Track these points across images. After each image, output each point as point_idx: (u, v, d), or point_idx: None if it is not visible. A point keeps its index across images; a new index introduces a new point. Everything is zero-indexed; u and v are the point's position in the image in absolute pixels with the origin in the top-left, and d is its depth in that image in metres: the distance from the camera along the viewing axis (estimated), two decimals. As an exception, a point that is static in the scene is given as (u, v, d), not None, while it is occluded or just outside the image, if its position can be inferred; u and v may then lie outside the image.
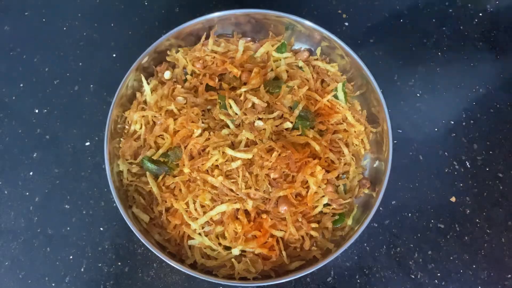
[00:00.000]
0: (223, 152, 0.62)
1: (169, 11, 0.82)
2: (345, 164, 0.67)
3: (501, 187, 0.74)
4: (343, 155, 0.67)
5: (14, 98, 0.77)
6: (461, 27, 0.83)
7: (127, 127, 0.69)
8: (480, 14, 0.84)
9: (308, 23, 0.68)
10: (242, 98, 0.66)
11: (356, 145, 0.69)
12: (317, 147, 0.64)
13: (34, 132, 0.75)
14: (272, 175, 0.62)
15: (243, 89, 0.66)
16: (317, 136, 0.66)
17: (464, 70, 0.80)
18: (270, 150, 0.62)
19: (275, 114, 0.65)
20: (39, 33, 0.81)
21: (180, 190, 0.63)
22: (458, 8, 0.85)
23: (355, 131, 0.69)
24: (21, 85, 0.77)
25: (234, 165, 0.61)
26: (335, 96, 0.70)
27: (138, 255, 0.69)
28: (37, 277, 0.68)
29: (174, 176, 0.64)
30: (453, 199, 0.73)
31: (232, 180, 0.62)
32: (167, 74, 0.70)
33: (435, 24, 0.83)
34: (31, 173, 0.73)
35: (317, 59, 0.73)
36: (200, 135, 0.64)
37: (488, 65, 0.81)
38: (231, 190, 0.62)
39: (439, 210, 0.72)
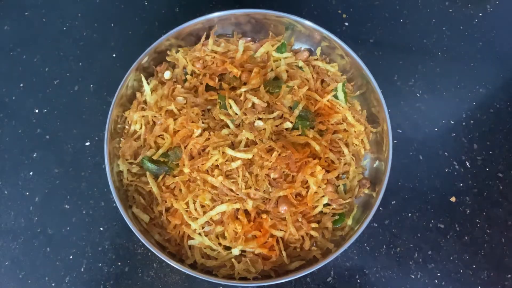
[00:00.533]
0: (223, 152, 0.62)
1: (169, 11, 0.82)
2: (345, 164, 0.67)
3: (501, 187, 0.74)
4: (343, 155, 0.67)
5: (14, 98, 0.77)
6: (461, 27, 0.83)
7: (127, 127, 0.68)
8: (480, 14, 0.84)
9: (308, 23, 0.68)
10: (242, 98, 0.66)
11: (356, 145, 0.69)
12: (317, 147, 0.64)
13: (34, 132, 0.75)
14: (272, 175, 0.62)
15: (243, 89, 0.66)
16: (317, 136, 0.65)
17: (464, 70, 0.80)
18: (270, 150, 0.62)
19: (275, 114, 0.65)
20: (39, 33, 0.81)
21: (180, 190, 0.63)
22: (458, 8, 0.85)
23: (355, 131, 0.68)
24: (21, 85, 0.77)
25: (234, 165, 0.61)
26: (335, 96, 0.70)
27: (138, 255, 0.69)
28: (37, 277, 0.68)
29: (174, 176, 0.64)
30: (453, 199, 0.73)
31: (232, 180, 0.62)
32: (167, 74, 0.70)
33: (435, 24, 0.83)
34: (31, 173, 0.73)
35: (317, 59, 0.72)
36: (200, 135, 0.64)
37: (488, 65, 0.81)
38: (231, 190, 0.61)
39: (439, 210, 0.72)
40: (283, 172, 0.62)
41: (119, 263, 0.69)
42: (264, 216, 0.62)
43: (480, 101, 0.79)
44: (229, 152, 0.61)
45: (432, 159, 0.75)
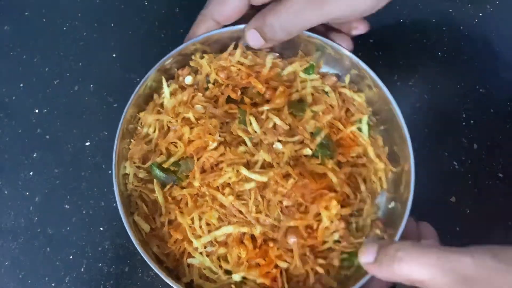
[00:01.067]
0: (237, 171, 0.59)
1: (169, 11, 0.82)
2: (360, 201, 0.62)
3: (501, 187, 0.74)
4: (360, 191, 0.63)
5: (14, 98, 0.77)
6: (461, 27, 0.83)
7: (139, 128, 0.65)
8: (480, 14, 0.84)
9: (343, 50, 0.64)
10: (264, 116, 0.62)
11: (373, 182, 0.65)
12: (334, 179, 0.59)
13: (34, 132, 0.75)
14: (285, 203, 0.58)
15: (266, 107, 0.63)
16: (336, 168, 0.61)
17: (464, 70, 0.80)
18: (286, 176, 0.59)
19: (295, 139, 0.61)
20: (39, 33, 0.81)
21: (187, 203, 0.60)
22: (458, 8, 0.85)
23: (374, 168, 0.64)
24: (21, 85, 0.77)
25: (247, 186, 0.58)
26: (359, 128, 0.66)
27: (138, 255, 0.68)
28: (37, 277, 0.68)
29: (182, 188, 0.61)
30: (453, 199, 0.73)
31: (243, 202, 0.58)
32: (188, 79, 0.66)
33: (435, 24, 0.83)
34: (31, 173, 0.73)
35: (344, 87, 0.68)
36: (215, 148, 0.60)
37: (488, 65, 0.81)
38: (240, 212, 0.58)
39: (439, 210, 0.72)
40: (297, 201, 0.59)
41: (119, 263, 0.69)
42: (270, 244, 0.58)
43: (480, 101, 0.79)
44: (244, 172, 0.58)
45: (432, 159, 0.75)
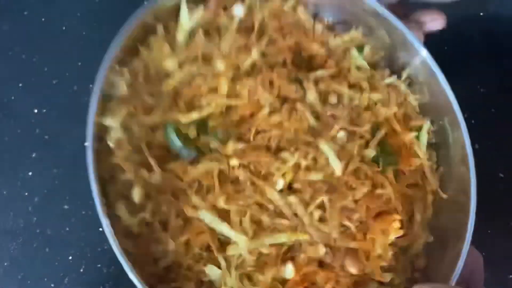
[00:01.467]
0: (306, 153, 0.42)
1: (169, 10, 0.82)
2: (414, 234, 0.49)
3: (501, 187, 0.74)
4: (415, 219, 0.49)
5: (13, 98, 0.76)
6: (461, 27, 0.83)
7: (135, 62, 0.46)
8: (481, 14, 0.84)
9: (412, 37, 0.52)
10: (323, 86, 0.46)
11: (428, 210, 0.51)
12: (393, 196, 0.45)
13: (33, 132, 0.75)
14: (353, 215, 0.43)
15: (322, 71, 0.46)
16: (394, 181, 0.47)
17: (464, 70, 0.80)
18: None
19: (366, 128, 0.46)
20: (38, 33, 0.80)
21: (210, 189, 0.41)
22: (458, 8, 0.84)
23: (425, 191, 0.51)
24: (20, 85, 0.77)
25: (314, 176, 0.42)
26: (416, 137, 0.52)
27: (137, 255, 0.69)
28: (36, 278, 0.68)
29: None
30: (453, 199, 0.73)
31: (300, 200, 0.41)
32: (239, 10, 0.45)
33: (436, 24, 0.83)
34: (30, 173, 0.73)
35: (402, 82, 0.53)
36: (269, 115, 0.42)
37: (488, 65, 0.81)
38: (295, 215, 0.41)
39: (440, 210, 0.72)
40: (361, 215, 0.44)
41: (118, 264, 0.68)
42: (321, 273, 0.41)
43: (480, 101, 0.78)
44: (327, 151, 0.41)
45: (433, 159, 0.75)
